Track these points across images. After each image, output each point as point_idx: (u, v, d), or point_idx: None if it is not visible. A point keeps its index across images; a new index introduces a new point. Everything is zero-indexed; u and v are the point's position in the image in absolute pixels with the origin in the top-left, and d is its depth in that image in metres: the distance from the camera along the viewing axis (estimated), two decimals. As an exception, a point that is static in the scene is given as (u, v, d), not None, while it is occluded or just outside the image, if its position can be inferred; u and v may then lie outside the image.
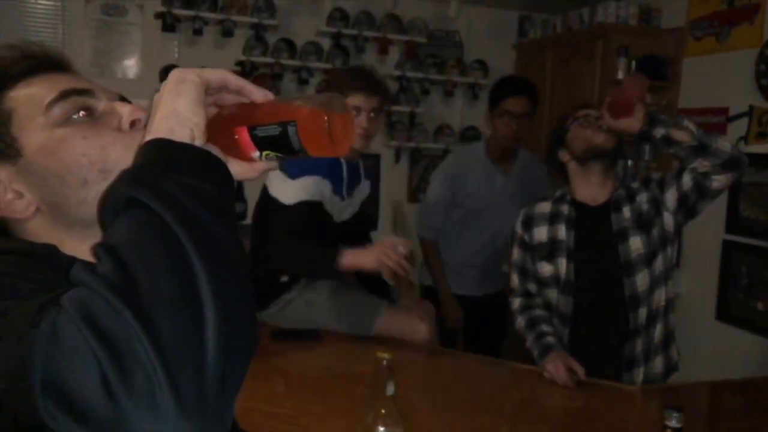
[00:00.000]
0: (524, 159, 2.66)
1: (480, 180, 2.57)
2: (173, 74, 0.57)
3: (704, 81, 3.18)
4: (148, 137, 0.53)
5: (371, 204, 2.24)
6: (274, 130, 0.57)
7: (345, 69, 3.26)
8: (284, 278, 1.96)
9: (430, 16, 3.93)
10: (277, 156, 0.60)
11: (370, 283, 2.08)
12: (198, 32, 3.41)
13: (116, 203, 0.48)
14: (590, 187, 1.83)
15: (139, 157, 0.52)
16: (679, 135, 1.66)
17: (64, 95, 0.64)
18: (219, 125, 0.59)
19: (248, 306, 0.49)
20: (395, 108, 3.86)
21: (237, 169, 0.60)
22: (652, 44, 3.36)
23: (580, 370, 1.66)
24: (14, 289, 0.49)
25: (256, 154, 0.59)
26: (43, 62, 0.68)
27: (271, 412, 1.47)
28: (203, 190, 0.49)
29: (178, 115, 0.54)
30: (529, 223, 1.91)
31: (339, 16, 3.70)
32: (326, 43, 3.73)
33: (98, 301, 0.40)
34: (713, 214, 2.83)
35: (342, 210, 2.02)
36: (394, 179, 4.05)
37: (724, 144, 1.66)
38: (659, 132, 1.68)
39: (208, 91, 0.58)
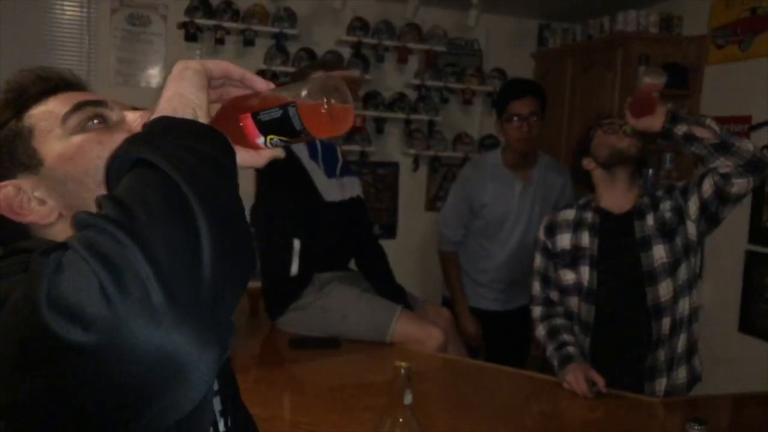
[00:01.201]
0: (544, 164, 2.61)
1: (498, 188, 2.54)
2: (177, 64, 0.59)
3: (726, 89, 3.15)
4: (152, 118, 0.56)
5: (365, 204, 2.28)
6: (276, 113, 0.59)
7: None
8: (293, 272, 1.97)
9: (450, 24, 3.94)
10: (281, 140, 0.61)
11: (386, 288, 2.09)
12: (220, 42, 3.46)
13: (120, 166, 0.50)
14: (615, 195, 1.82)
15: (143, 130, 0.54)
16: (701, 132, 1.64)
17: (78, 106, 0.69)
18: (225, 115, 0.62)
19: (243, 235, 0.50)
20: (414, 116, 3.87)
21: (244, 156, 0.62)
22: (673, 52, 3.34)
23: (600, 382, 1.64)
24: None
25: (261, 139, 0.61)
26: (58, 83, 0.72)
27: (291, 420, 1.49)
28: (203, 150, 0.51)
29: (181, 97, 0.56)
30: (552, 230, 1.90)
31: (359, 25, 3.73)
32: (346, 52, 3.76)
33: (98, 233, 0.43)
34: (736, 225, 2.80)
35: (331, 188, 2.04)
36: (412, 187, 4.06)
37: (747, 145, 1.62)
38: (681, 129, 1.65)
39: (212, 81, 0.61)
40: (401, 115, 3.86)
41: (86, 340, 0.39)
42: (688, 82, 3.31)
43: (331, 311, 1.96)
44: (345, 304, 1.96)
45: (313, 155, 2.03)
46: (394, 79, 3.92)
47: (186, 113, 0.55)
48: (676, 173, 3.27)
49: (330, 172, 2.07)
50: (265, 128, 0.60)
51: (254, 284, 2.34)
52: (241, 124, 0.61)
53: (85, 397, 0.41)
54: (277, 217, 2.01)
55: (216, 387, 0.73)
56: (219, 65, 0.62)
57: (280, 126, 0.60)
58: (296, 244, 1.97)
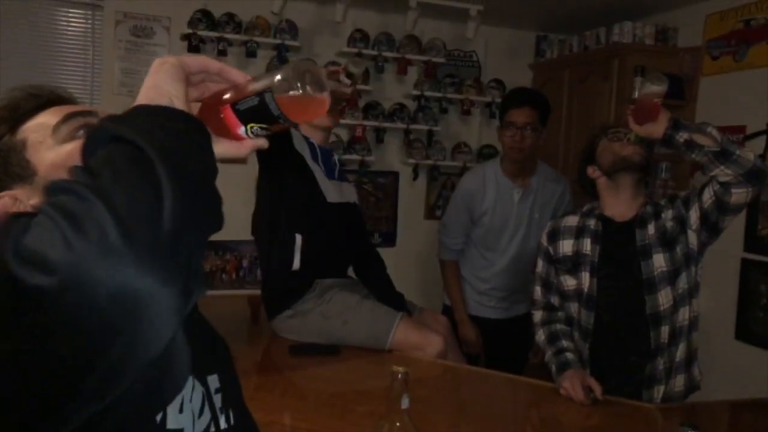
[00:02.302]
0: (542, 173, 2.63)
1: (497, 196, 2.57)
2: (155, 61, 0.61)
3: (721, 100, 3.19)
4: None
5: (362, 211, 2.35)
6: (253, 101, 0.61)
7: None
8: (295, 267, 2.01)
9: (449, 36, 3.99)
10: (261, 128, 0.62)
11: (386, 295, 2.12)
12: (222, 53, 3.50)
13: (94, 143, 0.51)
14: (619, 202, 1.83)
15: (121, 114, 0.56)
16: (702, 140, 1.63)
17: (68, 117, 0.72)
18: (206, 109, 0.63)
19: (209, 197, 0.52)
20: (413, 126, 3.91)
21: (228, 147, 0.63)
22: (668, 63, 3.38)
23: (597, 389, 1.65)
24: None
25: (241, 129, 0.62)
26: (49, 98, 0.76)
27: (291, 425, 1.50)
28: (174, 126, 0.53)
29: (158, 88, 0.58)
30: (554, 236, 1.91)
31: (359, 37, 3.78)
32: (345, 62, 3.79)
33: (64, 193, 0.45)
34: (731, 233, 2.81)
35: (331, 189, 2.08)
36: (412, 196, 4.09)
37: (748, 154, 1.62)
38: (683, 136, 1.65)
39: (191, 76, 0.62)
40: (401, 125, 3.90)
41: (48, 282, 0.41)
42: (683, 92, 3.36)
43: (331, 317, 1.98)
44: (346, 311, 1.97)
45: (313, 157, 2.06)
46: (393, 89, 3.97)
47: (162, 102, 0.57)
48: (672, 183, 3.30)
49: (330, 174, 2.10)
50: (244, 117, 0.62)
51: (255, 292, 2.37)
52: (221, 115, 0.62)
53: (54, 342, 0.42)
54: (279, 212, 2.04)
55: (217, 384, 0.76)
56: (196, 59, 0.63)
57: (259, 113, 0.61)
58: (298, 239, 2.00)
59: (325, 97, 0.62)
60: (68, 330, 0.42)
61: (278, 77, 0.60)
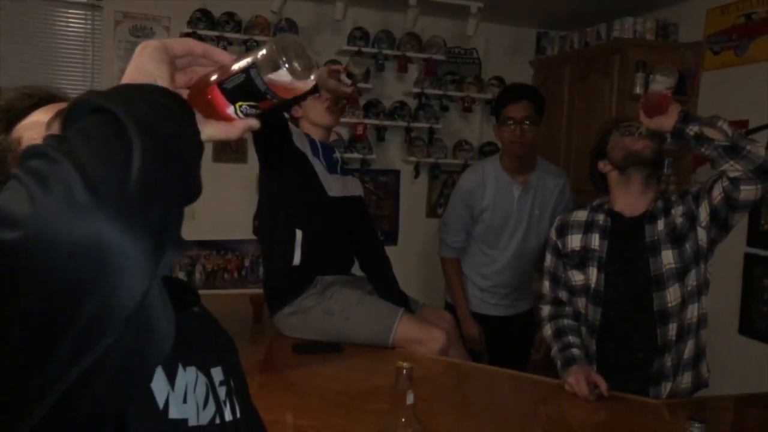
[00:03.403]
0: (542, 169, 2.63)
1: (497, 193, 2.57)
2: (138, 46, 0.61)
3: (723, 94, 3.18)
4: None
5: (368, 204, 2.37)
6: (240, 78, 0.60)
7: None
8: (296, 262, 2.01)
9: (449, 34, 3.98)
10: (249, 106, 0.62)
11: (389, 292, 2.12)
12: (222, 52, 3.49)
13: (74, 114, 0.51)
14: (630, 198, 1.81)
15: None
16: (712, 133, 1.61)
17: (61, 113, 0.71)
18: (195, 93, 0.62)
19: (183, 160, 0.51)
20: (414, 124, 3.91)
21: (218, 129, 0.63)
22: (669, 59, 3.37)
23: (602, 385, 1.64)
24: None
25: (230, 109, 0.62)
26: (43, 98, 0.76)
27: (294, 423, 1.50)
28: (153, 98, 0.53)
29: (141, 70, 0.57)
30: (563, 231, 1.90)
31: (359, 35, 3.77)
32: (347, 62, 3.79)
33: (35, 156, 0.45)
34: (735, 228, 2.81)
35: (333, 184, 2.09)
36: (413, 194, 4.09)
37: (759, 149, 1.59)
38: (693, 129, 1.63)
39: (177, 60, 0.62)
40: (402, 123, 3.90)
41: (11, 236, 0.41)
42: (685, 87, 3.35)
43: (334, 314, 1.98)
44: (348, 307, 1.98)
45: (314, 153, 2.07)
46: (394, 87, 3.96)
47: (146, 82, 0.57)
48: (674, 178, 3.30)
49: (331, 169, 2.11)
50: (232, 96, 0.61)
51: (257, 291, 2.37)
52: (209, 97, 0.61)
53: (27, 298, 0.42)
54: (280, 207, 2.05)
55: (221, 377, 0.75)
56: (180, 42, 0.63)
57: (246, 90, 0.60)
58: (298, 234, 2.00)
59: (311, 71, 0.61)
60: (39, 284, 0.42)
61: (262, 52, 0.60)
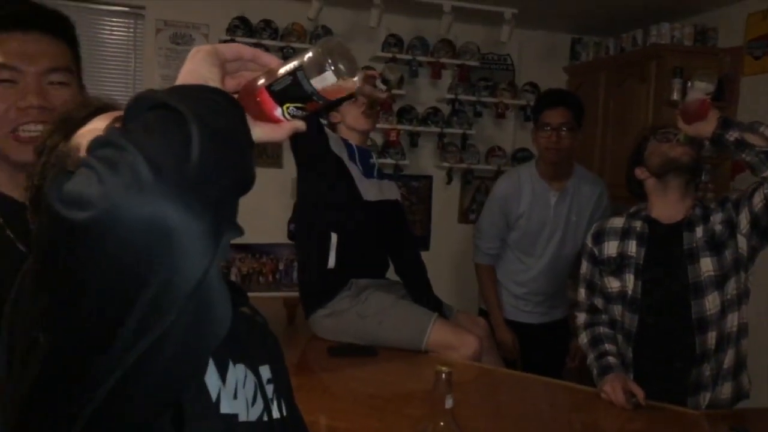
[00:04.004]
0: (579, 175, 2.60)
1: (533, 199, 2.55)
2: (191, 51, 0.64)
3: (763, 100, 3.12)
4: None
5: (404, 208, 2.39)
6: (287, 80, 0.62)
7: None
8: (331, 265, 2.03)
9: (482, 40, 3.98)
10: (297, 108, 0.64)
11: (423, 297, 2.13)
12: (259, 59, 3.55)
13: (133, 111, 0.54)
14: (667, 204, 1.79)
15: None
16: (753, 139, 1.58)
17: (118, 119, 0.75)
18: (244, 96, 0.65)
19: (237, 147, 0.54)
20: (447, 130, 3.91)
21: (267, 130, 0.65)
22: (708, 64, 3.32)
23: (639, 393, 1.62)
24: None
25: (278, 111, 0.64)
26: (99, 107, 0.81)
27: (330, 425, 1.51)
28: (207, 95, 0.56)
29: (193, 73, 0.60)
30: (599, 237, 1.89)
31: (394, 41, 3.80)
32: (381, 68, 3.82)
33: (104, 146, 0.48)
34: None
35: (369, 188, 2.12)
36: (445, 200, 4.09)
37: None
38: (733, 135, 1.60)
39: (227, 64, 0.65)
40: (435, 129, 3.91)
41: (84, 216, 0.44)
42: (724, 93, 3.29)
43: (367, 317, 1.99)
44: (381, 310, 1.99)
45: (351, 157, 2.10)
46: (428, 93, 3.97)
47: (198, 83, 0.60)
48: (712, 185, 3.24)
49: (368, 173, 2.14)
50: (279, 98, 0.63)
51: (291, 294, 2.40)
52: (258, 99, 0.63)
53: (98, 273, 0.45)
54: (317, 211, 2.08)
55: (269, 375, 0.78)
56: (230, 47, 0.65)
57: (293, 92, 0.62)
58: (334, 237, 2.03)
59: (356, 73, 0.63)
60: (109, 260, 0.45)
61: (308, 55, 0.62)
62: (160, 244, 0.45)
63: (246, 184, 0.54)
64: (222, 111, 0.55)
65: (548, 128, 2.46)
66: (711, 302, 1.71)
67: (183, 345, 0.48)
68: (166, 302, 0.46)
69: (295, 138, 2.02)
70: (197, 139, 0.48)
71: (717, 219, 1.74)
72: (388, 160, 3.82)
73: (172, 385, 0.51)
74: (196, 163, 0.47)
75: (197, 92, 0.56)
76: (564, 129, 2.45)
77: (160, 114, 0.51)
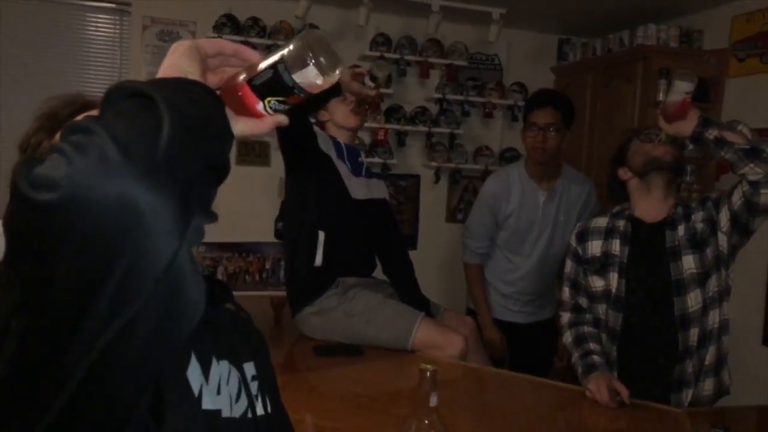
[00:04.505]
0: (568, 175, 2.62)
1: (521, 198, 2.56)
2: (172, 45, 0.63)
3: (748, 102, 3.16)
4: None
5: (393, 207, 2.41)
6: (268, 74, 0.62)
7: None
8: (318, 263, 2.04)
9: (471, 40, 3.99)
10: (278, 101, 0.63)
11: (410, 296, 2.13)
12: (246, 57, 3.54)
13: (110, 101, 0.53)
14: (650, 203, 1.81)
15: None
16: (732, 137, 1.61)
17: None
18: (226, 91, 0.64)
19: (211, 134, 0.54)
20: (435, 129, 3.92)
21: (249, 125, 0.64)
22: (693, 66, 3.35)
23: (623, 392, 1.64)
24: None
25: (260, 105, 0.63)
26: (84, 104, 0.80)
27: (316, 424, 1.51)
28: (187, 88, 0.56)
29: (173, 67, 0.60)
30: (583, 237, 1.91)
31: (382, 40, 3.80)
32: (370, 66, 3.82)
33: (75, 132, 0.48)
34: (759, 237, 2.78)
35: (357, 186, 2.12)
36: (433, 199, 4.10)
37: None
38: (712, 133, 1.63)
39: (208, 60, 0.64)
40: (423, 128, 3.91)
41: (51, 196, 0.44)
42: (708, 94, 3.32)
43: (355, 315, 2.00)
44: (369, 309, 1.99)
45: (339, 155, 2.10)
46: (416, 93, 3.98)
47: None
48: (697, 186, 3.27)
49: (356, 172, 2.14)
50: (261, 92, 0.63)
51: (278, 293, 2.40)
52: (239, 94, 0.63)
53: (65, 256, 0.45)
54: (304, 209, 2.08)
55: (254, 372, 0.77)
56: (211, 42, 0.65)
57: (274, 86, 0.62)
58: (321, 235, 2.03)
59: (337, 65, 0.63)
60: (76, 241, 0.45)
61: (289, 48, 0.62)
62: (127, 224, 0.45)
63: (220, 172, 0.54)
64: (198, 101, 0.55)
65: (535, 128, 2.47)
66: (693, 299, 1.73)
67: (156, 328, 0.48)
68: (136, 283, 0.46)
69: (284, 136, 2.02)
70: (168, 122, 0.48)
71: (698, 217, 1.77)
72: (376, 159, 3.82)
73: (146, 371, 0.51)
74: (165, 145, 0.47)
75: (174, 83, 0.56)
76: (551, 129, 2.45)
77: (135, 101, 0.51)
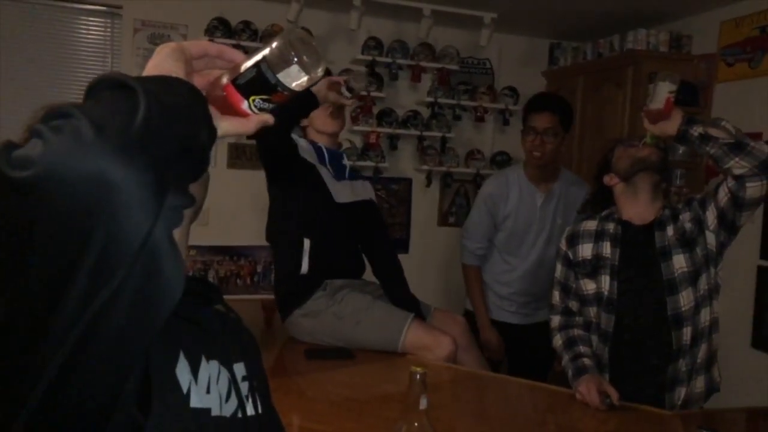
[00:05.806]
0: (565, 179, 2.65)
1: (519, 200, 2.59)
2: (157, 48, 0.64)
3: (736, 106, 3.18)
4: None
5: (380, 208, 2.40)
6: (251, 73, 0.63)
7: None
8: (303, 271, 2.03)
9: (462, 44, 4.01)
10: (263, 100, 0.64)
11: (399, 297, 2.13)
12: (237, 61, 3.53)
13: (92, 92, 0.54)
14: (638, 207, 1.83)
15: None
16: (716, 132, 1.64)
17: None
18: (211, 92, 0.65)
19: (187, 123, 0.55)
20: (427, 133, 3.93)
21: (234, 123, 0.65)
22: (683, 70, 3.37)
23: (613, 394, 1.65)
24: None
25: (245, 104, 0.64)
26: None
27: (306, 427, 1.51)
28: (168, 82, 0.57)
29: (158, 67, 0.61)
30: (573, 240, 1.92)
31: (373, 44, 3.81)
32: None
33: (54, 117, 0.49)
34: (747, 241, 2.81)
35: (341, 190, 2.12)
36: (425, 203, 4.10)
37: (763, 146, 1.62)
38: (696, 130, 1.65)
39: (193, 62, 0.65)
40: (414, 132, 3.92)
41: (27, 173, 0.45)
42: (698, 99, 3.35)
43: (344, 318, 2.00)
44: (358, 311, 2.00)
45: (321, 160, 2.11)
46: (407, 96, 3.99)
47: None
48: (686, 189, 3.29)
49: (339, 176, 2.14)
50: (245, 91, 0.64)
51: (268, 297, 2.39)
52: (224, 93, 0.64)
53: (40, 233, 0.46)
54: (288, 217, 2.09)
55: (244, 372, 0.77)
56: (195, 44, 0.66)
57: (257, 84, 0.63)
58: (306, 243, 2.03)
59: (319, 63, 0.64)
60: (52, 217, 0.46)
61: (272, 47, 0.63)
62: (102, 198, 0.46)
63: (197, 159, 0.55)
64: (178, 93, 0.56)
65: (533, 132, 2.50)
66: (685, 298, 1.75)
67: (134, 307, 0.48)
68: (113, 259, 0.47)
69: (265, 151, 2.03)
70: (144, 105, 0.49)
71: (686, 218, 1.79)
72: (368, 163, 3.82)
73: (127, 353, 0.51)
74: (139, 125, 0.48)
75: (157, 78, 0.57)
76: (549, 133, 2.49)
77: (115, 91, 0.52)
